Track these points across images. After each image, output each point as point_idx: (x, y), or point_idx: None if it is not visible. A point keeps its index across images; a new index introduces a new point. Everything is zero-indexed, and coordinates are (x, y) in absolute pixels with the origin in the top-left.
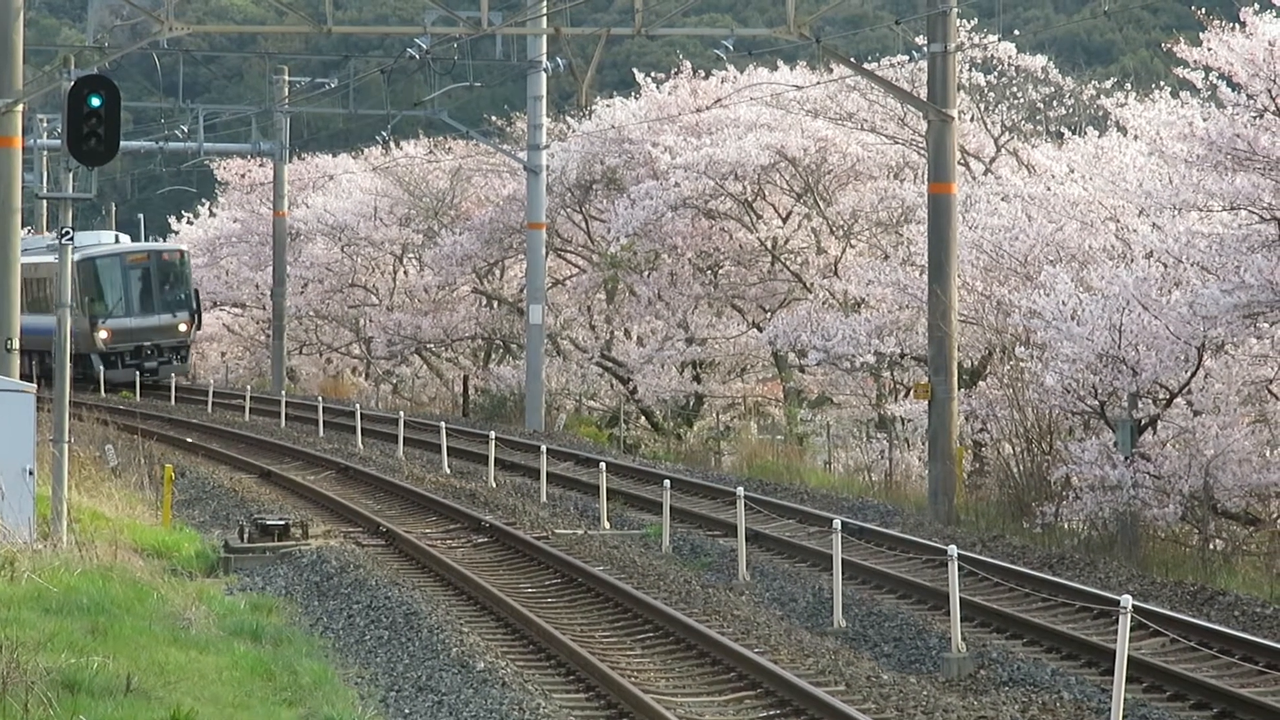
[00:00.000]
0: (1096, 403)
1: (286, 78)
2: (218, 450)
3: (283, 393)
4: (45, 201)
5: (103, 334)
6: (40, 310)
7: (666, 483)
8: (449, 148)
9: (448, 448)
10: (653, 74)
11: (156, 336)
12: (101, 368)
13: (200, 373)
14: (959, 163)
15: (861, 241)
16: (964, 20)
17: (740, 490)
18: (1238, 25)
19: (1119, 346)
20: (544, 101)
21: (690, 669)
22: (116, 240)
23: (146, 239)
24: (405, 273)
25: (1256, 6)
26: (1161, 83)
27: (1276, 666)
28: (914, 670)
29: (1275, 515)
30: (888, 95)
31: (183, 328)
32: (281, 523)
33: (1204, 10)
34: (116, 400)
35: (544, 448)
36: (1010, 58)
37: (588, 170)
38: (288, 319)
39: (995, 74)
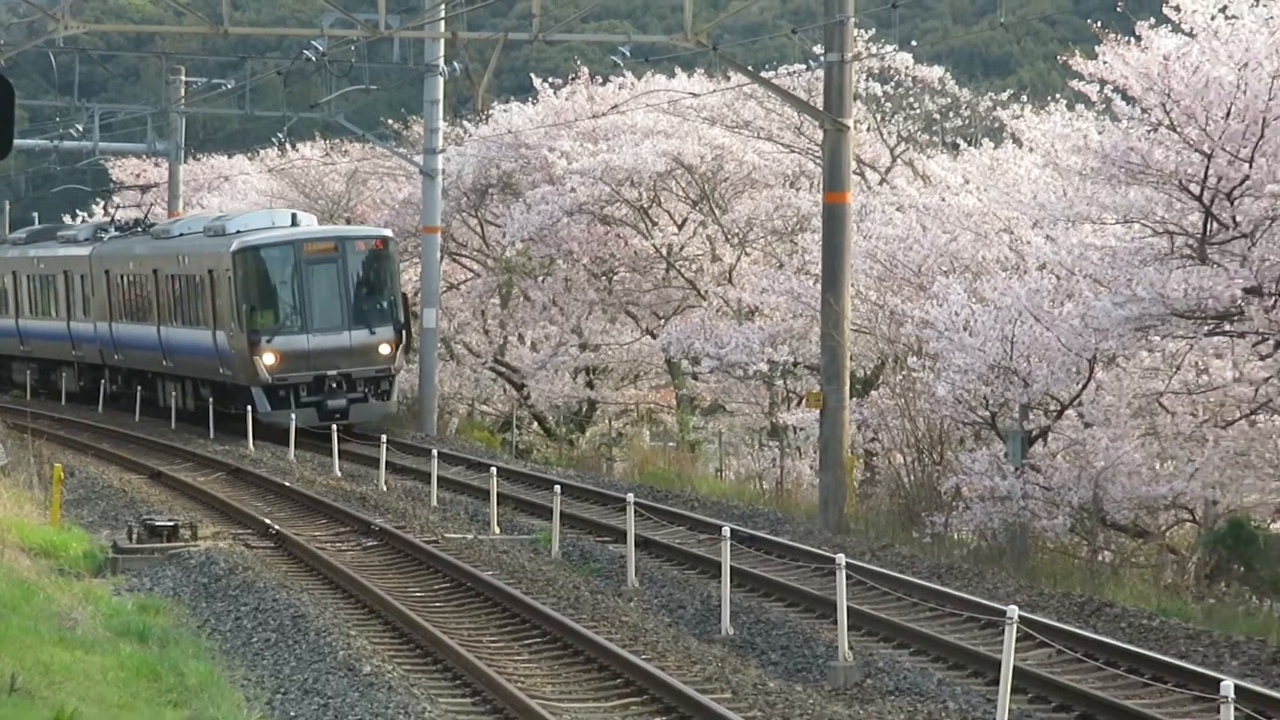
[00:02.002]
0: (988, 413)
1: (183, 78)
2: (108, 450)
3: (174, 394)
4: None
5: (268, 358)
6: (49, 315)
7: (557, 488)
8: (345, 150)
9: (339, 451)
10: (550, 79)
11: (347, 362)
12: (266, 405)
13: None
14: (854, 172)
15: (756, 250)
16: (861, 30)
17: (630, 496)
18: (1133, 40)
19: (1010, 358)
20: (441, 105)
21: (577, 674)
22: (293, 222)
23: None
24: None
25: (1152, 21)
26: (1058, 95)
27: (1161, 678)
28: (800, 678)
29: (1164, 528)
30: (784, 104)
31: (385, 349)
32: (170, 524)
33: (1100, 24)
34: (7, 399)
35: (435, 451)
36: (907, 68)
37: (484, 175)
38: None
39: (892, 84)
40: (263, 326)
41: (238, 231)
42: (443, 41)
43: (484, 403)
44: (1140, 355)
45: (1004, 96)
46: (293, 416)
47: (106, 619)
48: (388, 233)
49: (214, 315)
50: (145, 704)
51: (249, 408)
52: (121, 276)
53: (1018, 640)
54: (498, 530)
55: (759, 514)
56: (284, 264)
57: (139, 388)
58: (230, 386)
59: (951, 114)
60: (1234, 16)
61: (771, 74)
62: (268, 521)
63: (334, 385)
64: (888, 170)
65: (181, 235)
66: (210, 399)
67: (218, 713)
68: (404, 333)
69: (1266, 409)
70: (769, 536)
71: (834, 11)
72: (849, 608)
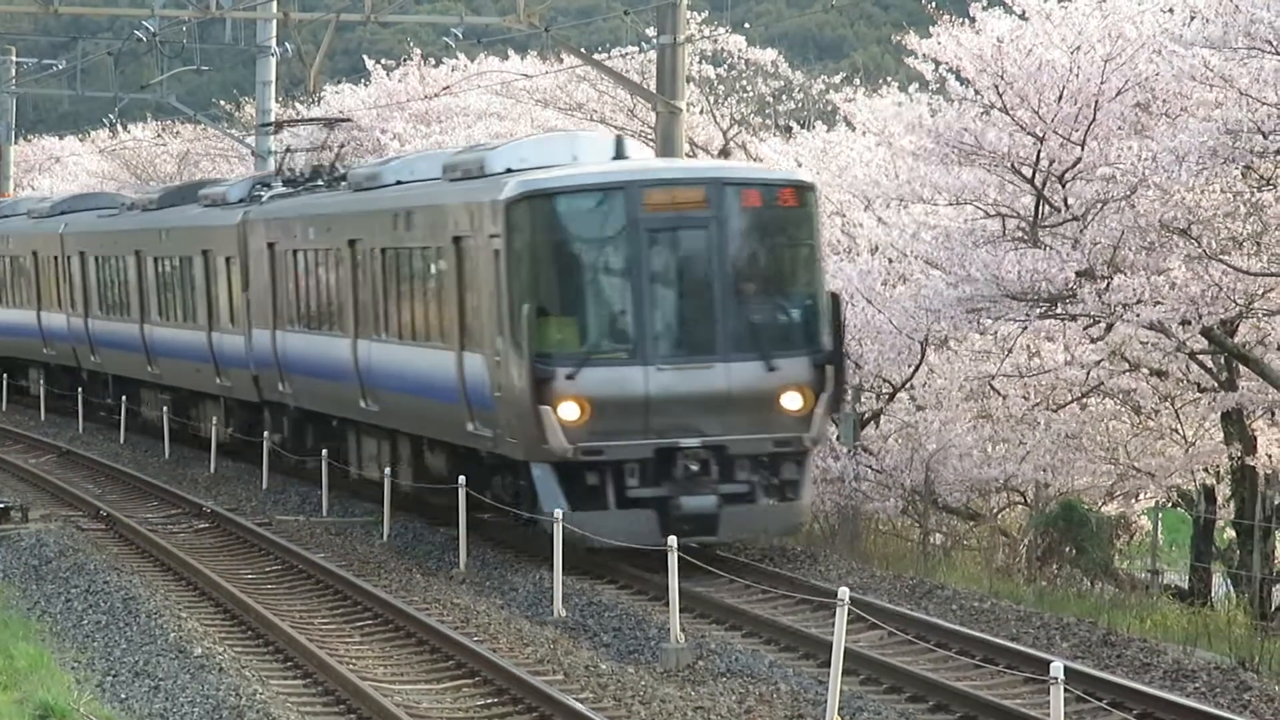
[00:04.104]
0: None
1: (14, 58)
2: None
3: (3, 376)
4: None
5: (567, 409)
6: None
7: (388, 470)
8: (177, 131)
9: (169, 432)
10: (383, 61)
11: (720, 423)
12: (559, 498)
13: None
14: (687, 155)
15: None
16: (694, 13)
17: (461, 479)
18: (968, 21)
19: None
20: (273, 87)
21: (409, 657)
22: (618, 152)
23: None
24: None
25: (985, 3)
26: (890, 78)
27: (993, 660)
28: (633, 660)
29: (995, 510)
30: (617, 86)
31: (795, 399)
32: (0, 505)
33: (934, 5)
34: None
35: (266, 434)
36: (740, 51)
37: (316, 155)
38: None
39: (725, 67)
40: (559, 348)
41: (508, 169)
42: (275, 22)
43: None
44: (972, 338)
45: (837, 80)
46: (609, 525)
47: None
48: (805, 176)
49: (461, 323)
50: None
51: (521, 497)
52: (294, 257)
53: (850, 622)
54: (329, 514)
55: None
56: (605, 227)
57: (306, 435)
58: (487, 458)
59: (785, 97)
60: (1066, 0)
61: (605, 56)
62: (99, 504)
63: (693, 468)
64: (721, 152)
65: (400, 183)
66: (439, 469)
67: (48, 695)
68: (833, 368)
69: (1097, 392)
70: None
71: None
72: (681, 590)
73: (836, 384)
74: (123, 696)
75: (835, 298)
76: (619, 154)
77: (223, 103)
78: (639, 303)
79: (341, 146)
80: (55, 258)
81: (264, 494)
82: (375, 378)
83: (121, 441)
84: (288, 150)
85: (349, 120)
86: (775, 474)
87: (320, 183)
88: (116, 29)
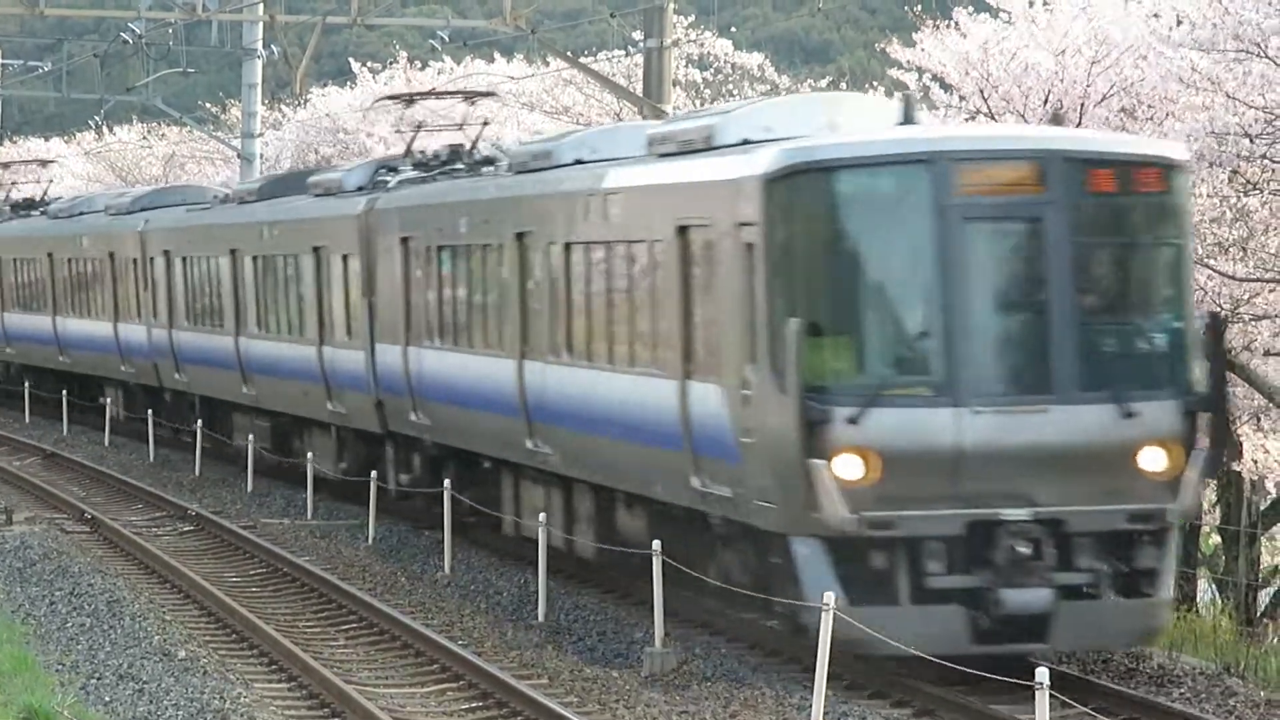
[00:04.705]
0: None
1: None
2: None
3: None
4: None
5: (847, 465)
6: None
7: (374, 473)
8: (163, 134)
9: (154, 436)
10: (369, 64)
11: (1057, 489)
12: (832, 583)
13: None
14: None
15: None
16: (681, 16)
17: (447, 482)
18: (953, 25)
19: None
20: (259, 89)
21: (394, 660)
22: (905, 115)
23: None
24: None
25: (970, 8)
26: (876, 84)
27: (978, 666)
28: (617, 665)
29: None
30: (604, 89)
31: (1158, 457)
32: None
33: (919, 8)
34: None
35: (251, 438)
36: (727, 55)
37: (302, 159)
38: None
39: (712, 71)
40: (839, 380)
41: (745, 141)
42: (261, 25)
43: None
44: None
45: (824, 84)
46: (902, 625)
47: None
48: (1173, 151)
49: (686, 343)
50: None
51: (773, 579)
52: (437, 255)
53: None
54: (314, 517)
55: None
56: (904, 215)
57: (444, 476)
58: (718, 525)
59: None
60: (1050, 3)
61: (591, 60)
62: (84, 507)
63: (1020, 551)
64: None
65: (582, 162)
66: (634, 531)
67: (32, 698)
68: (1213, 415)
69: None
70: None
71: None
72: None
73: (1215, 438)
74: (107, 699)
75: (1215, 318)
76: (907, 119)
77: (209, 105)
78: (949, 320)
79: (485, 124)
80: (135, 260)
81: (249, 497)
82: (549, 411)
83: (106, 444)
84: (419, 127)
85: (493, 94)
86: (1128, 559)
87: (460, 165)
88: (102, 31)
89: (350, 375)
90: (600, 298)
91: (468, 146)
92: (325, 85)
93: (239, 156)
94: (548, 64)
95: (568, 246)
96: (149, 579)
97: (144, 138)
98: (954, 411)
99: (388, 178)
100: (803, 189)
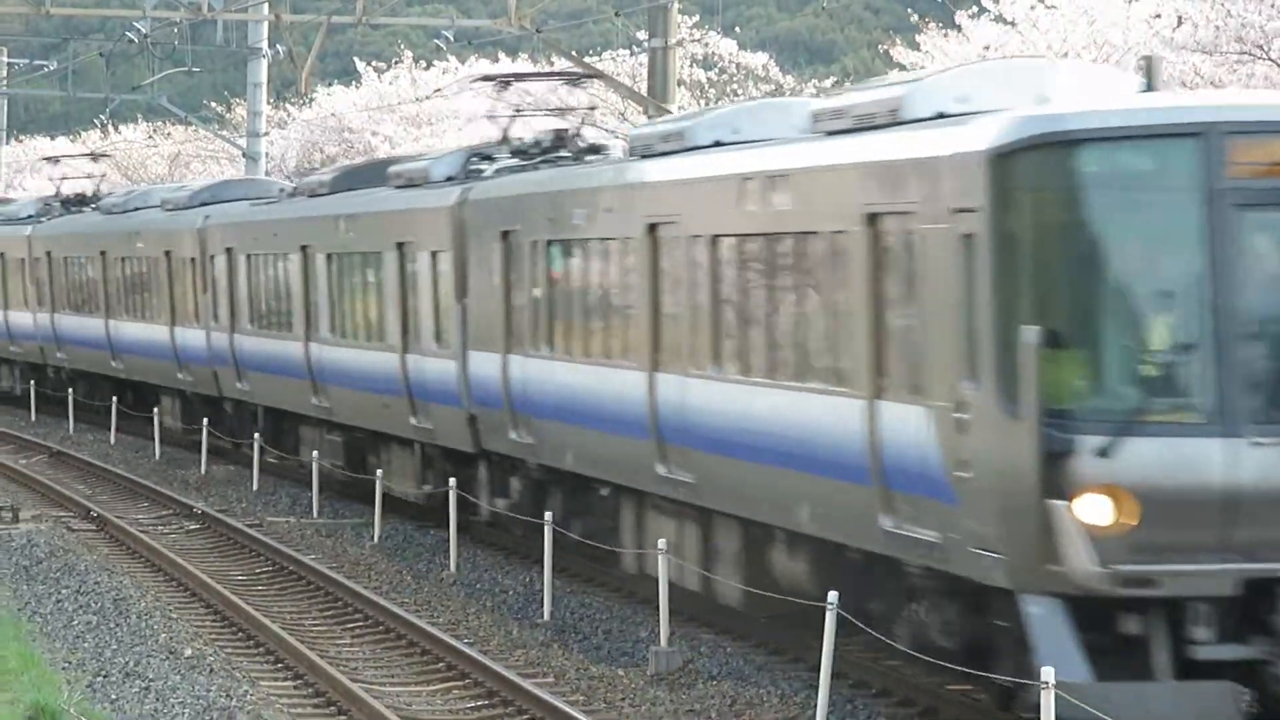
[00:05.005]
0: None
1: (5, 59)
2: None
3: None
4: None
5: (1095, 507)
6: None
7: (379, 472)
8: (168, 133)
9: (160, 435)
10: (374, 63)
11: None
12: (1072, 654)
13: None
14: None
15: None
16: (685, 16)
17: (452, 481)
18: (955, 30)
19: None
20: (264, 88)
21: (399, 658)
22: (1150, 82)
23: None
24: None
25: (974, 10)
26: None
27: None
28: (623, 663)
29: None
30: (608, 89)
31: None
32: None
33: (920, 15)
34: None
35: (258, 435)
36: (731, 55)
37: (307, 158)
38: None
39: (716, 70)
40: (1084, 402)
41: (939, 114)
42: (266, 24)
43: None
44: None
45: (828, 84)
46: (1162, 705)
47: None
48: None
49: (877, 353)
50: None
51: (995, 644)
52: (545, 251)
53: (840, 626)
54: (320, 515)
55: None
56: (1167, 199)
57: (549, 501)
58: (918, 575)
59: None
60: (1053, 6)
61: (596, 59)
62: (90, 505)
63: None
64: None
65: (722, 144)
66: (794, 576)
67: (38, 696)
68: None
69: None
70: None
71: None
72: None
73: None
74: (113, 697)
75: None
76: (1150, 88)
77: (214, 104)
78: (1220, 329)
79: (593, 108)
80: (193, 259)
81: (254, 495)
82: (689, 432)
83: (112, 442)
84: (516, 113)
85: (596, 75)
86: None
87: (566, 153)
88: (108, 30)
89: (438, 387)
90: (758, 298)
91: (572, 132)
92: (330, 85)
93: (244, 155)
94: (552, 63)
95: (714, 240)
96: (155, 577)
97: (149, 137)
98: (1226, 443)
99: (482, 166)
100: (1042, 167)
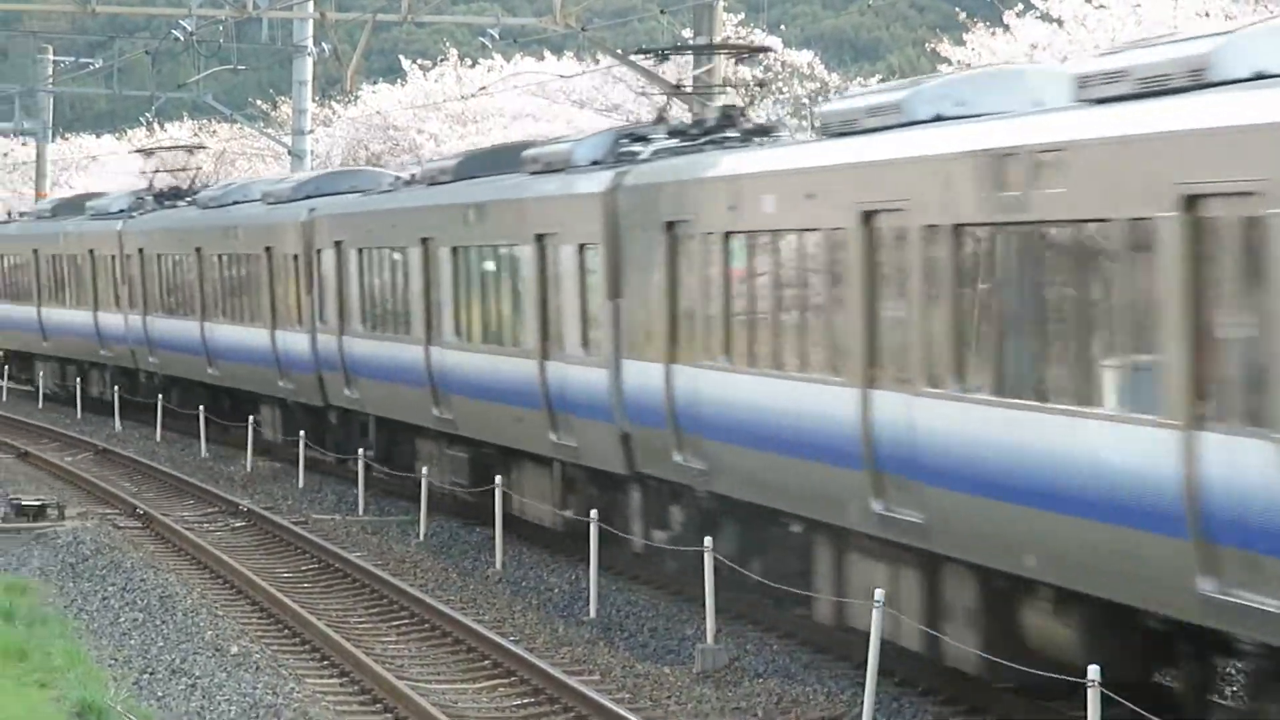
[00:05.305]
0: None
1: (51, 57)
2: None
3: (41, 372)
4: None
5: None
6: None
7: (424, 469)
8: (214, 131)
9: (205, 433)
10: (419, 61)
11: None
12: None
13: None
14: None
15: None
16: (731, 14)
17: (498, 479)
18: (1001, 29)
19: None
20: (309, 86)
21: (445, 656)
22: None
23: None
24: None
25: (1020, 8)
26: None
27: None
28: (669, 661)
29: None
30: (654, 87)
31: None
32: (38, 503)
33: (967, 14)
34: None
35: (303, 433)
36: (777, 53)
37: (352, 156)
38: None
39: (761, 68)
40: None
41: (1258, 74)
42: (311, 22)
43: None
44: None
45: (873, 82)
46: None
47: None
48: None
49: (1196, 376)
50: (12, 684)
51: None
52: (724, 245)
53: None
54: (365, 512)
55: None
56: None
57: (724, 535)
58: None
59: (820, 99)
60: (1102, 5)
61: (641, 57)
62: (135, 502)
63: None
64: None
65: (943, 118)
66: (1063, 643)
67: (85, 693)
68: None
69: None
70: None
71: None
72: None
73: None
74: (159, 694)
75: None
76: None
77: (259, 102)
78: None
79: (761, 84)
80: (296, 255)
81: (300, 493)
82: (916, 463)
83: (158, 439)
84: (678, 87)
85: (769, 49)
86: None
87: (733, 133)
88: (153, 28)
89: (584, 399)
90: (1023, 300)
91: (737, 111)
92: (375, 82)
93: (289, 153)
94: (598, 61)
95: (958, 230)
96: (201, 574)
97: (194, 134)
98: None
99: (635, 148)
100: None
